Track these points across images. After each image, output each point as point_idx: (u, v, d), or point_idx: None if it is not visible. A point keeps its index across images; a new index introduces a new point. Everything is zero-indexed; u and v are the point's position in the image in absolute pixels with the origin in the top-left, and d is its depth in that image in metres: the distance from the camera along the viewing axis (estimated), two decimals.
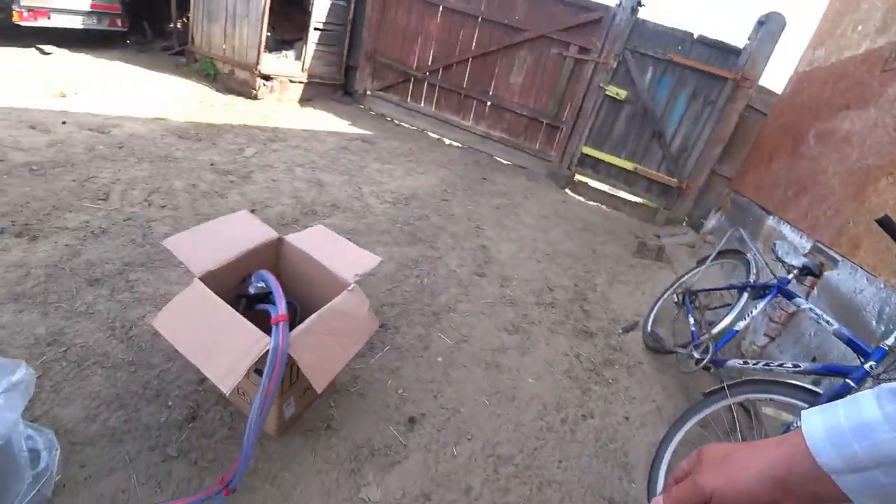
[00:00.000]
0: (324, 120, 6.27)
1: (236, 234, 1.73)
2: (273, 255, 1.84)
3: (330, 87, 7.36)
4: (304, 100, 6.92)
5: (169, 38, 7.98)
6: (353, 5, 6.94)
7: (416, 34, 6.78)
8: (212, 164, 3.88)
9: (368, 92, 7.31)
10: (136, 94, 5.30)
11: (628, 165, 5.95)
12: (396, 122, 7.13)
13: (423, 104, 7.02)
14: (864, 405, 0.44)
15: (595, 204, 6.06)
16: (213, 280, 1.53)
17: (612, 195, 6.20)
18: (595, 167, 6.20)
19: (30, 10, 6.14)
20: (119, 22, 7.22)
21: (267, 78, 6.34)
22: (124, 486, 1.46)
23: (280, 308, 1.46)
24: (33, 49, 6.20)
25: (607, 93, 5.75)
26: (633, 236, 5.07)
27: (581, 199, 6.07)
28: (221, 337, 1.35)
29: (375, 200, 4.04)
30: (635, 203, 6.12)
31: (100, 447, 1.54)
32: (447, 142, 6.87)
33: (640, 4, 5.39)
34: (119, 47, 7.37)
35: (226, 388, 1.24)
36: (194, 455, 1.60)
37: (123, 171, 3.37)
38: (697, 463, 0.55)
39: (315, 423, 1.82)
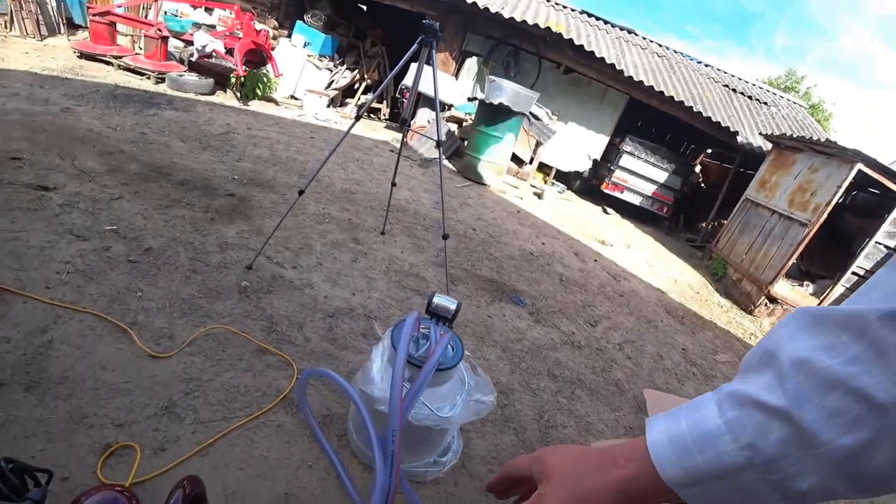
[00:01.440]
0: None
1: None
2: None
3: None
4: None
5: (696, 232, 8.99)
6: None
7: None
8: (683, 349, 3.93)
9: None
10: (649, 263, 6.09)
11: None
12: None
13: None
14: (706, 412, 0.40)
15: None
16: None
17: None
18: None
19: (615, 184, 8.32)
20: (664, 209, 8.77)
21: (773, 300, 6.05)
22: None
23: None
24: (600, 208, 8.27)
25: None
26: None
27: None
28: None
29: None
30: None
31: None
32: None
33: None
34: (654, 225, 8.83)
35: None
36: None
37: (615, 315, 3.86)
38: (540, 471, 0.49)
39: None
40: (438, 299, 1.48)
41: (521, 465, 0.53)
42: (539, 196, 7.39)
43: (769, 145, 7.40)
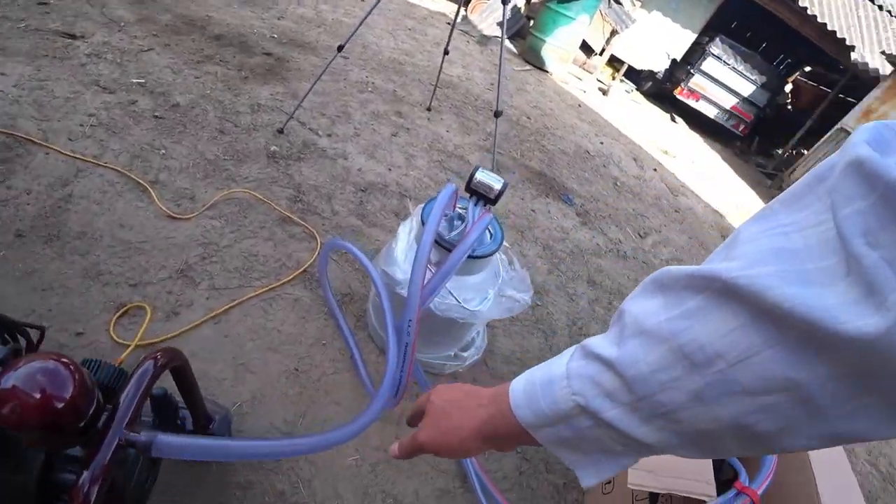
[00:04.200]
0: None
1: None
2: None
3: None
4: None
5: (769, 158, 8.03)
6: None
7: None
8: None
9: None
10: (712, 182, 5.55)
11: None
12: None
13: None
14: (559, 360, 0.42)
15: None
16: None
17: None
18: None
19: (692, 91, 7.34)
20: (741, 128, 7.76)
21: None
22: None
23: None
24: (668, 115, 7.41)
25: None
26: None
27: None
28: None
29: None
30: None
31: None
32: None
33: None
34: (724, 143, 7.94)
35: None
36: None
37: (666, 230, 3.53)
38: (426, 410, 0.53)
39: None
40: (482, 175, 1.23)
41: (421, 401, 0.56)
42: (604, 92, 6.65)
43: (888, 69, 6.19)
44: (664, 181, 4.46)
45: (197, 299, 1.51)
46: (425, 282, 1.05)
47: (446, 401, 0.52)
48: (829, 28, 6.70)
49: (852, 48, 6.61)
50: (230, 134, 2.21)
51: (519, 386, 0.44)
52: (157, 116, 2.13)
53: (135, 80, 2.31)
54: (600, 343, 0.39)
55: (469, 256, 1.21)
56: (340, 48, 2.23)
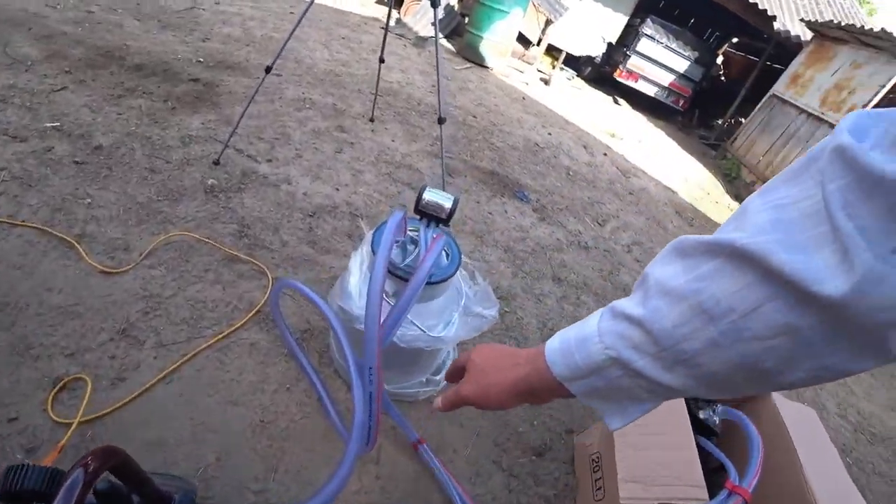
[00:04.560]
0: None
1: None
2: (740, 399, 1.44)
3: None
4: None
5: (710, 129, 8.33)
6: None
7: None
8: None
9: None
10: (660, 160, 5.69)
11: None
12: None
13: None
14: (590, 321, 0.48)
15: None
16: None
17: None
18: None
19: (630, 72, 7.52)
20: (681, 103, 8.03)
21: None
22: None
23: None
24: (610, 98, 7.57)
25: None
26: None
27: None
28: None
29: None
30: None
31: None
32: None
33: None
34: (666, 119, 8.18)
35: None
36: None
37: (624, 214, 3.59)
38: (467, 368, 0.61)
39: None
40: (430, 195, 1.17)
41: (462, 359, 0.64)
42: (546, 82, 6.73)
43: (808, 35, 6.50)
44: (615, 164, 4.53)
45: (144, 360, 1.39)
46: (382, 321, 0.99)
47: (486, 360, 0.59)
48: (751, 0, 6.99)
49: (774, 18, 6.92)
50: (162, 172, 2.07)
51: (554, 345, 0.50)
52: (77, 162, 1.98)
53: (49, 125, 2.14)
54: (627, 304, 0.45)
55: (427, 283, 1.16)
56: (268, 69, 2.13)
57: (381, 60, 2.87)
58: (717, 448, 1.20)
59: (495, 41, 5.92)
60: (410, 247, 1.24)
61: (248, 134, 2.53)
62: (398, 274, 1.16)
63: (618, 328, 0.44)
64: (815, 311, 0.33)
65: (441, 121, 2.29)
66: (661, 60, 7.58)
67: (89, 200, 1.82)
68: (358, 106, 3.38)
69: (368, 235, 1.31)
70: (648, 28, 7.41)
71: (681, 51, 7.53)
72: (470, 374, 0.60)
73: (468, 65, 5.90)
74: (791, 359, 0.36)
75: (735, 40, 9.62)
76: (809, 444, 1.24)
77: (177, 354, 1.42)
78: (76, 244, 1.62)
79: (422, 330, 1.19)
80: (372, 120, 3.23)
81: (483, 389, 0.57)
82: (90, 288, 1.52)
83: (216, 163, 2.21)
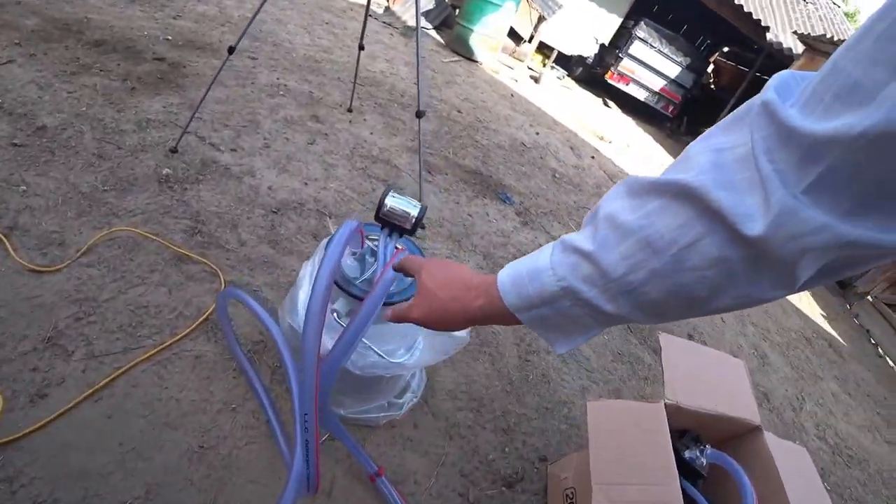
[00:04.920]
0: (795, 297, 5.12)
1: (725, 386, 1.32)
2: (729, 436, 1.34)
3: None
4: None
5: (697, 135, 8.35)
6: None
7: None
8: None
9: (870, 297, 5.64)
10: (648, 165, 5.63)
11: None
12: (881, 351, 5.16)
13: None
14: (542, 255, 0.50)
15: None
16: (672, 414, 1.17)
17: None
18: None
19: (621, 74, 7.43)
20: (670, 109, 7.99)
21: None
22: None
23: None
24: (600, 100, 7.49)
25: None
26: None
27: None
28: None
29: None
30: None
31: None
32: None
33: None
34: (655, 125, 8.14)
35: None
36: None
37: None
38: (418, 289, 0.63)
39: None
40: (394, 200, 1.02)
41: (412, 268, 0.70)
42: (536, 80, 6.60)
43: (799, 48, 6.48)
44: (602, 168, 4.44)
45: (70, 373, 1.23)
46: (334, 344, 0.86)
47: (438, 285, 0.61)
48: (746, 10, 6.95)
49: (767, 28, 6.89)
50: (111, 159, 1.89)
51: (506, 278, 0.52)
52: (16, 144, 1.79)
53: None
54: (578, 238, 0.47)
55: (386, 303, 1.03)
56: (231, 49, 1.96)
57: (361, 47, 2.71)
58: (703, 494, 1.10)
59: (486, 35, 5.77)
60: (370, 259, 1.10)
61: (213, 120, 2.35)
62: (352, 292, 1.02)
63: (569, 261, 0.47)
64: (742, 247, 0.37)
65: (420, 114, 2.15)
66: (653, 64, 7.51)
67: (24, 188, 1.64)
68: (336, 95, 3.21)
69: (322, 244, 1.17)
70: (642, 31, 7.33)
71: (673, 56, 7.46)
72: (421, 298, 0.61)
73: (456, 58, 5.74)
74: (720, 287, 0.40)
75: (726, 49, 9.60)
76: (801, 488, 1.15)
77: (109, 368, 1.27)
78: (4, 238, 1.44)
79: (380, 355, 1.06)
80: (350, 110, 3.07)
81: (436, 316, 0.60)
82: (16, 289, 1.35)
83: (174, 150, 2.03)
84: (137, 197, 1.77)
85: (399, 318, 0.64)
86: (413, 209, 1.02)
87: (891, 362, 4.54)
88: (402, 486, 1.30)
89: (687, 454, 1.18)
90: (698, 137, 0.44)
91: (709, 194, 0.37)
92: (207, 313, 1.47)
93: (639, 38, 7.31)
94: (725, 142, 0.40)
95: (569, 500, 1.31)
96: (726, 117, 0.43)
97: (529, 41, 7.30)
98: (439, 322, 0.60)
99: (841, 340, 4.14)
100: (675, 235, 0.40)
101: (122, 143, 1.98)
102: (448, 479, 1.38)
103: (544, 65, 7.40)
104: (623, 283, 0.43)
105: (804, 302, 4.65)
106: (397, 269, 0.74)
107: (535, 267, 0.50)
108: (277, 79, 3.07)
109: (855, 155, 0.30)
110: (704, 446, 1.18)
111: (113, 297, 1.42)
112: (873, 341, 4.90)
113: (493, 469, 1.45)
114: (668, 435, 1.09)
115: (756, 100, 0.38)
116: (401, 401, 1.37)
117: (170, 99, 2.40)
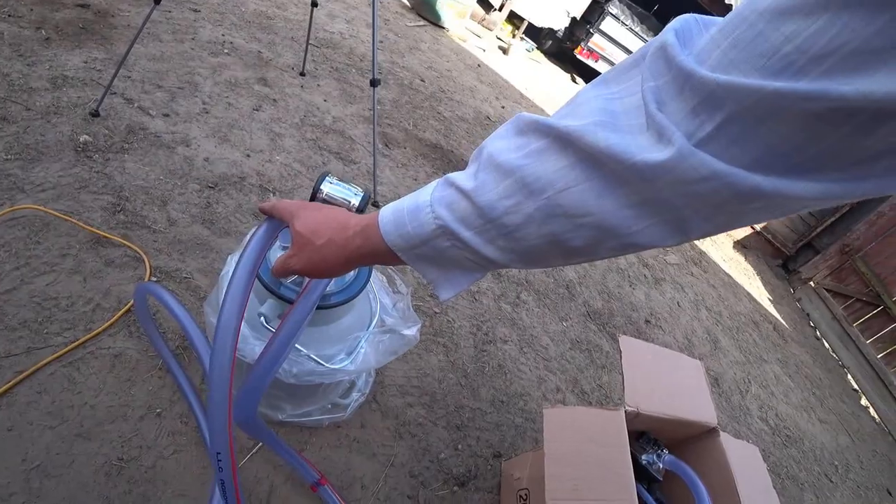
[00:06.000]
0: (746, 281, 5.26)
1: (684, 389, 1.29)
2: (686, 437, 1.32)
3: (772, 249, 6.32)
4: (741, 246, 6.10)
5: None
6: None
7: None
8: None
9: (812, 283, 5.89)
10: None
11: None
12: (819, 333, 5.43)
13: (869, 342, 5.14)
14: (424, 191, 0.47)
15: None
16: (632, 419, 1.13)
17: None
18: None
19: (591, 50, 7.32)
20: None
21: None
22: None
23: None
24: (568, 75, 7.42)
25: None
26: None
27: None
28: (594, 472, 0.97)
29: None
30: None
31: None
32: (865, 403, 4.79)
33: None
34: None
35: None
36: None
37: None
38: (292, 237, 0.58)
39: None
40: (330, 187, 0.87)
41: (283, 214, 0.62)
42: (504, 51, 6.39)
43: None
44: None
45: None
46: (259, 356, 0.75)
47: (313, 231, 0.56)
48: None
49: (731, 7, 6.91)
50: (17, 121, 1.64)
51: (388, 216, 0.49)
52: None
53: None
54: (460, 176, 0.45)
55: (321, 307, 0.92)
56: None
57: (315, 3, 2.48)
58: (661, 494, 1.07)
59: (455, 0, 5.50)
60: None
61: (144, 80, 2.10)
62: (281, 294, 0.91)
63: (448, 199, 0.45)
64: (625, 192, 0.36)
65: (375, 83, 1.99)
66: (623, 42, 7.40)
67: None
68: (289, 56, 2.96)
69: (248, 234, 1.03)
70: (614, 7, 7.18)
71: (644, 35, 7.37)
72: (297, 247, 0.58)
73: (422, 23, 5.45)
74: (596, 238, 0.39)
75: None
76: (753, 488, 1.14)
77: (10, 372, 1.11)
78: None
79: (318, 362, 0.95)
80: (303, 74, 2.84)
81: (314, 263, 0.57)
82: None
83: (94, 114, 1.80)
84: (48, 168, 1.55)
85: (281, 273, 0.61)
86: (354, 197, 0.89)
87: (827, 344, 4.79)
88: (347, 492, 1.23)
89: (644, 458, 1.14)
90: (590, 83, 0.42)
91: (591, 136, 0.36)
92: (129, 305, 1.32)
93: (611, 14, 7.17)
94: (616, 92, 0.39)
95: (522, 502, 1.26)
96: (620, 63, 0.40)
97: (500, 9, 7.04)
98: (318, 268, 0.57)
99: (784, 324, 4.32)
100: (553, 179, 0.38)
101: (31, 104, 1.73)
102: (397, 481, 1.31)
103: (514, 35, 7.17)
104: (499, 224, 0.42)
105: (753, 286, 4.82)
106: (266, 212, 0.65)
107: (415, 204, 0.47)
108: (222, 35, 2.79)
109: (755, 107, 0.29)
110: (662, 450, 1.15)
111: (14, 288, 1.24)
112: (812, 324, 5.15)
113: (445, 468, 1.39)
114: (628, 447, 1.04)
115: (654, 42, 0.36)
116: (346, 401, 1.27)
117: (93, 53, 2.12)
